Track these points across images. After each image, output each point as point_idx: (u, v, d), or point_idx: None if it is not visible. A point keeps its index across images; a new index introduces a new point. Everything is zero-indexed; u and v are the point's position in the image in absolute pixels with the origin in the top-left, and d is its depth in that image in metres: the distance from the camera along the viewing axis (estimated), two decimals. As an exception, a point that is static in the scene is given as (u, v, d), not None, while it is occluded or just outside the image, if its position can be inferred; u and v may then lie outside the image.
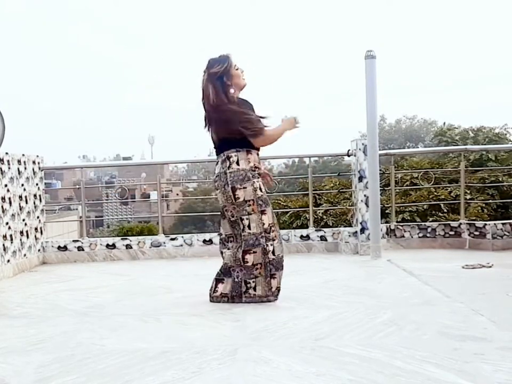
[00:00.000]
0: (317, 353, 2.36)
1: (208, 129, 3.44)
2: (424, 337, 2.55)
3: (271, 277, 3.33)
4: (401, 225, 5.76)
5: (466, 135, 12.86)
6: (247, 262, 3.30)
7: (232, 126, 3.28)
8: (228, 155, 3.32)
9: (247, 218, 3.30)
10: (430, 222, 7.16)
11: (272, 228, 3.33)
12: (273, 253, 3.32)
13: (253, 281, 3.32)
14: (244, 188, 3.28)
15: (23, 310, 3.47)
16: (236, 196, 3.28)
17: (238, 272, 3.34)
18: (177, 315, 3.15)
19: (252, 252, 3.30)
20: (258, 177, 3.34)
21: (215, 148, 3.46)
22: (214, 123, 3.38)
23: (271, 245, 3.31)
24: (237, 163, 3.30)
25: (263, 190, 3.36)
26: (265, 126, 3.34)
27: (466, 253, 5.23)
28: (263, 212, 3.30)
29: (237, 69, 3.38)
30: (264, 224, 3.30)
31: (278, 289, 3.38)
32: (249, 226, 3.30)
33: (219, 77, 3.30)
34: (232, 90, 3.33)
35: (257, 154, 3.40)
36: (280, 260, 3.37)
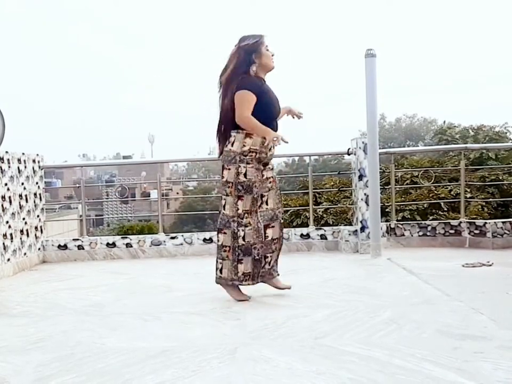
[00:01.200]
0: (316, 352, 2.36)
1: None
2: (424, 336, 2.55)
3: (238, 262, 3.32)
4: (401, 224, 5.75)
5: (467, 134, 12.85)
6: (218, 241, 3.39)
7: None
8: (230, 134, 3.35)
9: (224, 199, 3.34)
10: (430, 220, 7.16)
11: (246, 215, 3.30)
12: (243, 238, 3.30)
13: (220, 263, 3.38)
14: (229, 169, 3.30)
15: (23, 309, 3.47)
16: (222, 175, 3.35)
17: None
18: (177, 314, 3.15)
19: (222, 231, 3.36)
20: (248, 163, 3.29)
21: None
22: (225, 97, 3.36)
23: (242, 230, 3.29)
24: (232, 144, 3.31)
25: (249, 177, 3.28)
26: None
27: (467, 252, 5.23)
28: (239, 197, 3.29)
29: (267, 50, 3.36)
30: (238, 209, 3.30)
31: (245, 274, 3.34)
32: (224, 207, 3.34)
33: (248, 51, 3.30)
34: (254, 68, 3.32)
35: (265, 138, 3.29)
36: (250, 247, 3.31)
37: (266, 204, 3.42)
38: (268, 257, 3.41)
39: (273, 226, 3.43)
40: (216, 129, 3.45)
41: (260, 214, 3.36)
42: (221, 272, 3.39)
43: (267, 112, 3.36)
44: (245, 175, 3.29)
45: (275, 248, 3.46)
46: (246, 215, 3.31)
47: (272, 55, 3.40)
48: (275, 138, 3.21)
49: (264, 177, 3.40)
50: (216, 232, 3.44)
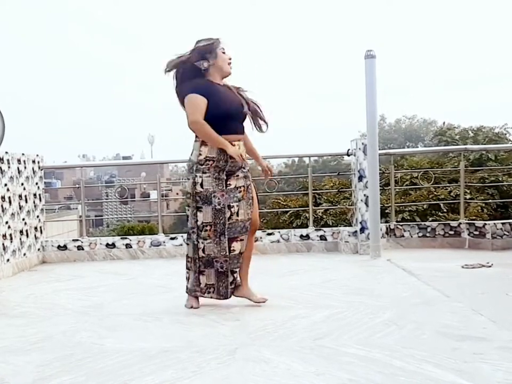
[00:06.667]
0: (316, 353, 2.36)
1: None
2: (423, 337, 2.55)
3: (199, 273, 3.24)
4: (401, 225, 5.75)
5: (466, 135, 12.86)
6: (186, 251, 3.34)
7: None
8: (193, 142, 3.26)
9: (187, 210, 3.28)
10: (429, 221, 7.16)
11: (206, 228, 3.17)
12: (203, 251, 3.20)
13: (187, 272, 3.32)
14: (188, 179, 3.22)
15: (23, 310, 3.46)
16: (185, 186, 3.29)
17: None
18: (176, 314, 3.15)
19: (186, 242, 3.35)
20: (204, 172, 3.13)
21: None
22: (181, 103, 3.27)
23: (202, 243, 3.20)
24: (191, 153, 3.23)
25: (206, 187, 3.13)
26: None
27: (466, 253, 5.23)
28: (198, 209, 3.17)
29: (223, 52, 3.24)
30: (197, 220, 3.19)
31: (208, 286, 3.23)
32: (187, 218, 3.28)
33: (201, 52, 3.20)
34: (205, 64, 3.18)
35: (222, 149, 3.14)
36: (212, 260, 3.19)
37: (237, 215, 3.18)
38: (235, 272, 3.24)
39: (241, 240, 3.22)
40: None
41: (228, 225, 3.17)
42: (187, 282, 3.31)
43: (219, 111, 3.15)
44: (201, 185, 3.14)
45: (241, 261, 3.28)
46: (206, 227, 3.17)
47: (230, 59, 3.27)
48: (235, 157, 3.11)
49: (231, 186, 3.18)
50: None
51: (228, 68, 3.27)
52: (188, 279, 3.33)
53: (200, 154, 3.17)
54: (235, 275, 3.26)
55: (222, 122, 3.17)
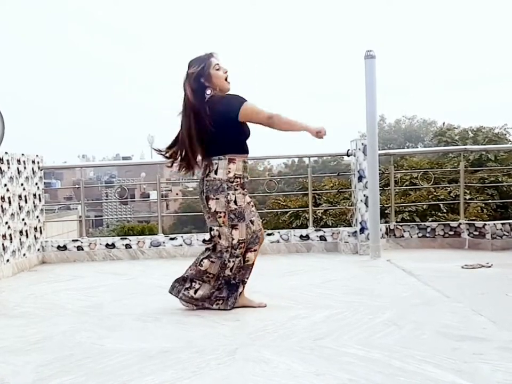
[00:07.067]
0: (316, 353, 2.36)
1: (190, 132, 3.19)
2: (423, 337, 2.55)
3: (217, 289, 3.22)
4: (401, 225, 5.76)
5: (466, 135, 12.89)
6: (201, 265, 3.21)
7: (219, 121, 3.10)
8: (209, 162, 3.17)
9: (217, 230, 3.18)
10: (429, 222, 7.16)
11: (240, 245, 3.17)
12: (231, 269, 3.18)
13: (199, 284, 3.22)
14: (217, 198, 3.13)
15: (22, 310, 3.46)
16: (209, 206, 3.17)
17: (189, 270, 3.27)
18: (176, 315, 3.15)
19: (211, 259, 3.21)
20: (236, 189, 3.14)
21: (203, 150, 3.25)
22: (197, 124, 3.16)
23: (233, 261, 3.17)
24: (215, 172, 3.14)
25: (239, 203, 3.14)
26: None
27: (466, 253, 5.23)
28: (234, 227, 3.14)
29: (217, 69, 3.18)
30: (233, 239, 3.15)
31: (218, 298, 3.22)
32: (219, 237, 3.17)
33: (196, 78, 3.15)
34: (208, 91, 3.15)
35: (244, 162, 3.21)
36: (231, 278, 3.20)
37: (252, 227, 3.24)
38: (245, 282, 3.27)
39: (255, 250, 3.27)
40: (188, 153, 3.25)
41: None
42: (195, 293, 3.22)
43: (247, 131, 3.23)
44: (235, 202, 3.13)
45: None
46: (241, 244, 3.17)
47: (225, 72, 3.22)
48: (319, 132, 3.11)
49: (248, 201, 3.23)
50: None
51: (226, 84, 3.22)
52: (194, 288, 3.23)
53: (229, 172, 3.13)
54: (244, 285, 3.27)
55: (245, 143, 3.25)
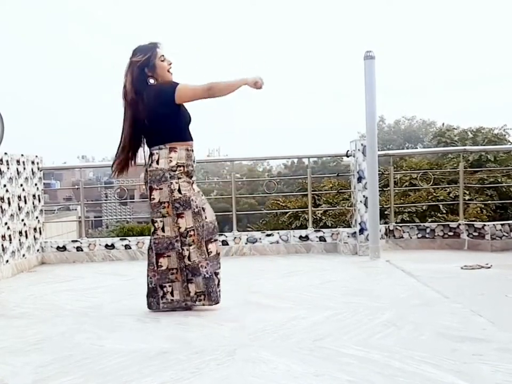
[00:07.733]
0: (315, 354, 2.36)
1: (134, 121, 3.20)
2: (422, 338, 2.55)
3: (188, 282, 3.16)
4: (400, 226, 5.76)
5: (465, 136, 12.90)
6: (161, 266, 3.16)
7: (154, 109, 3.10)
8: (151, 152, 3.17)
9: (161, 221, 3.14)
10: (429, 222, 7.17)
11: (190, 233, 3.13)
12: (188, 258, 3.14)
13: (170, 286, 3.18)
14: (160, 188, 3.11)
15: (22, 310, 3.46)
16: (152, 196, 3.14)
17: (151, 277, 3.20)
18: (176, 315, 3.15)
19: (165, 255, 3.16)
20: (179, 177, 3.11)
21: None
22: (136, 114, 3.17)
23: (187, 250, 3.13)
24: (157, 162, 3.12)
25: (184, 192, 3.12)
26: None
27: (465, 254, 5.23)
28: (179, 215, 3.11)
29: (162, 60, 3.19)
30: (180, 227, 3.12)
31: (198, 294, 3.16)
32: (163, 229, 3.14)
33: (140, 67, 3.15)
34: (152, 81, 3.18)
35: (188, 149, 3.18)
36: (196, 265, 3.15)
37: (206, 218, 3.22)
38: (218, 273, 3.23)
39: (215, 240, 3.25)
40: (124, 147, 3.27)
41: (204, 228, 3.18)
42: (172, 295, 3.19)
43: (187, 118, 3.25)
44: (179, 191, 3.11)
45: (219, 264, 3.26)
46: (190, 232, 3.13)
47: (169, 64, 3.23)
48: (257, 82, 3.08)
49: (195, 190, 3.21)
50: None
51: (168, 75, 3.22)
52: (168, 292, 3.18)
53: (170, 160, 3.12)
54: (219, 276, 3.24)
55: (188, 129, 3.26)
